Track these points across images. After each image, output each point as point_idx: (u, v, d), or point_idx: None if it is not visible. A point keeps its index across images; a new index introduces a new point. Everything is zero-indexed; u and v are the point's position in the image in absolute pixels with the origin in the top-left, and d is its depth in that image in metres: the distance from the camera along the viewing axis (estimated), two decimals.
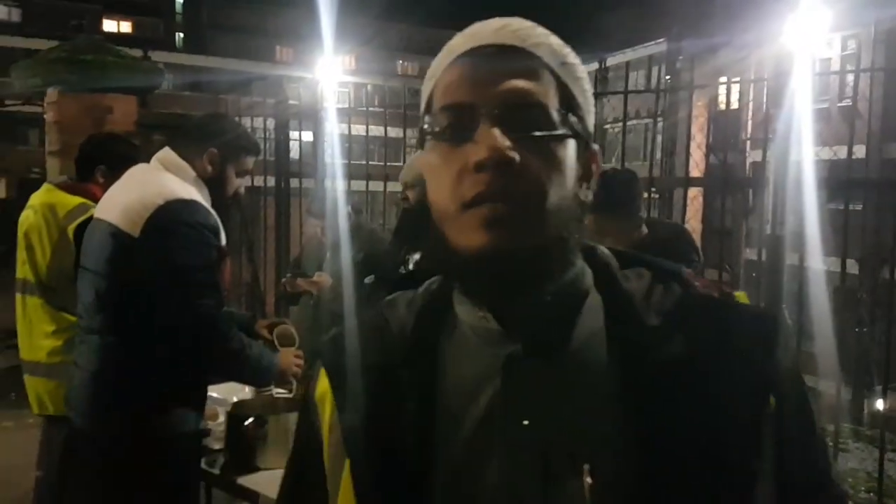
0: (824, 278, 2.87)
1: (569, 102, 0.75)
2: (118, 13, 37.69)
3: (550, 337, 0.74)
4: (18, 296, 3.07)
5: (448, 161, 0.73)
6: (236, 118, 3.61)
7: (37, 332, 2.99)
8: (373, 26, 37.31)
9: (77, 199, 2.98)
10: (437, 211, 0.75)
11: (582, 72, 0.79)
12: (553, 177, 0.72)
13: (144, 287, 2.10)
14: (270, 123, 5.07)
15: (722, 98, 8.88)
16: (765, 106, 4.57)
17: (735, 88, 7.97)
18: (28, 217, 3.05)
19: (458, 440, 0.72)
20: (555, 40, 0.77)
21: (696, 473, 0.68)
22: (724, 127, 9.62)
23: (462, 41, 0.77)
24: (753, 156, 8.94)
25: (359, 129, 4.90)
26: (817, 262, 3.03)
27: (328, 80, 5.80)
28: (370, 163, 5.01)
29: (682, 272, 0.79)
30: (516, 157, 0.70)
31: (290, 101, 5.43)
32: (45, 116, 4.83)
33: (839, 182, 3.36)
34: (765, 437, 0.70)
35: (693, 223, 4.99)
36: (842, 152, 3.60)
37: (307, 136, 5.66)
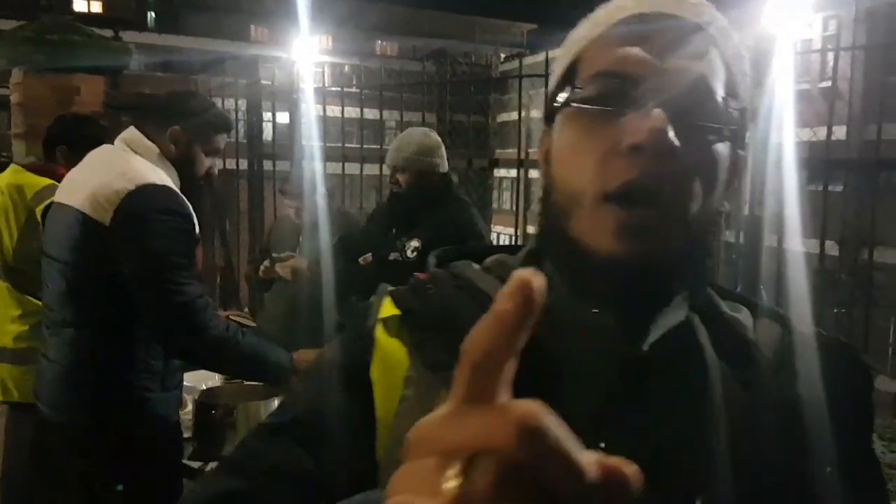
0: (803, 260, 2.85)
1: (732, 93, 0.65)
2: None
3: (674, 348, 0.66)
4: None
5: (592, 138, 0.62)
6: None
7: (2, 317, 2.92)
8: (351, 5, 36.90)
9: (45, 181, 2.93)
10: (565, 195, 0.64)
11: (747, 61, 0.69)
12: (709, 178, 0.63)
13: (119, 277, 2.01)
14: (243, 104, 4.98)
15: None
16: None
17: None
18: None
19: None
20: (724, 20, 0.68)
21: None
22: None
23: (628, 2, 0.66)
24: None
25: (335, 111, 4.81)
26: (796, 243, 3.01)
27: (304, 61, 5.69)
28: (346, 145, 4.93)
29: (783, 313, 0.73)
30: (679, 146, 0.59)
31: (263, 82, 5.32)
32: (10, 98, 4.71)
33: (819, 163, 3.35)
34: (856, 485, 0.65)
35: None
36: (822, 133, 3.59)
37: (282, 117, 5.56)
